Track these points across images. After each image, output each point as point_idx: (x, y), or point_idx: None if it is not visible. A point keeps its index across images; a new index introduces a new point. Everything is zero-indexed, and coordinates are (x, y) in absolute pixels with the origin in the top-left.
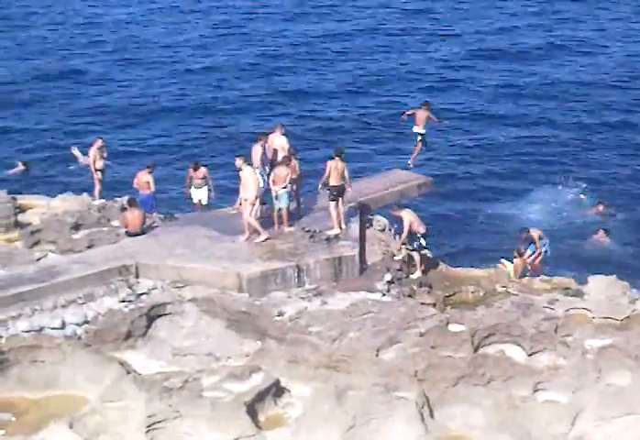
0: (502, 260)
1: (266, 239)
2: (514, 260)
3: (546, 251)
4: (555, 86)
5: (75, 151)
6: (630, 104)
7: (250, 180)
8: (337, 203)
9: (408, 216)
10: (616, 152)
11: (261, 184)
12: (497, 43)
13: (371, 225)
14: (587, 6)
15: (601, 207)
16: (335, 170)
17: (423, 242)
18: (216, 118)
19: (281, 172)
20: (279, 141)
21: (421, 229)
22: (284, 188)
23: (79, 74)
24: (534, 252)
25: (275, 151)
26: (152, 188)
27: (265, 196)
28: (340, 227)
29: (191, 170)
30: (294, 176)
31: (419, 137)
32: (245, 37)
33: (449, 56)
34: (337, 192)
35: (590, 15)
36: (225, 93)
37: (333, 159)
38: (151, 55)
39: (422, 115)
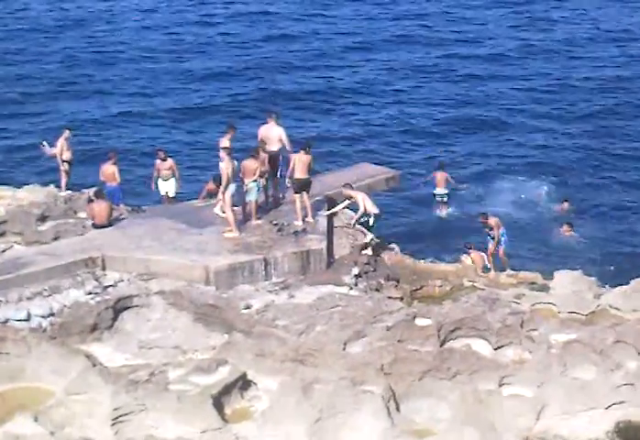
0: (465, 255)
1: (235, 237)
2: (471, 254)
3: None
4: (526, 82)
5: (45, 148)
6: (606, 104)
7: (222, 172)
8: (302, 196)
9: (362, 195)
10: (583, 148)
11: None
12: (474, 43)
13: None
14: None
15: (565, 205)
16: (299, 162)
17: (371, 221)
18: (189, 112)
19: (251, 165)
20: (276, 132)
21: (374, 210)
22: (254, 181)
23: (55, 66)
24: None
25: (270, 143)
26: (117, 179)
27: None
28: (304, 220)
29: (158, 160)
30: (263, 169)
31: (444, 198)
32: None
33: (420, 56)
34: (302, 186)
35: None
36: (201, 88)
37: (299, 152)
38: (125, 52)
39: (441, 176)
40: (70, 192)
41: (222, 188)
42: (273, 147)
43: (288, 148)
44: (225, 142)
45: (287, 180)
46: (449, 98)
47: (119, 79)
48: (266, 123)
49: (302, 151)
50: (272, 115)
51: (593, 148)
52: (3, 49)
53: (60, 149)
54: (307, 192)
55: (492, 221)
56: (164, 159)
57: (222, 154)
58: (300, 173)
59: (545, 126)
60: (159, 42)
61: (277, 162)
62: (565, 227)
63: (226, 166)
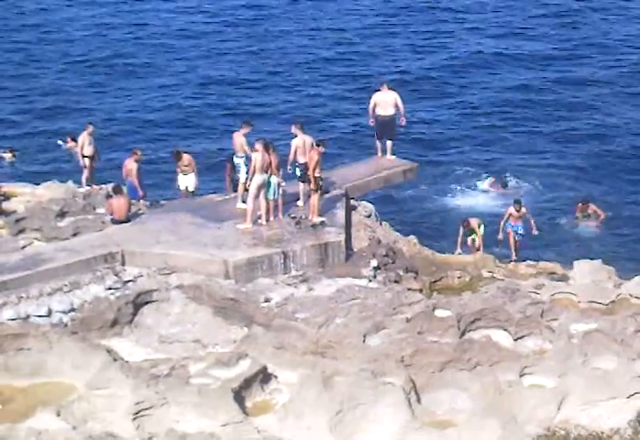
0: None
1: (247, 228)
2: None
3: (521, 234)
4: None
5: (63, 145)
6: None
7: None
8: (314, 194)
9: (295, 140)
10: (601, 140)
11: (243, 174)
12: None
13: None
14: None
15: (583, 205)
16: (302, 147)
17: (297, 172)
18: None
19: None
20: (391, 96)
21: (300, 159)
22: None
23: (67, 61)
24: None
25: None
26: (134, 176)
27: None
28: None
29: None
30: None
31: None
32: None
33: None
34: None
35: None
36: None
37: (295, 136)
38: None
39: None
40: (89, 187)
41: (249, 179)
42: (388, 111)
43: (402, 112)
44: (239, 137)
45: (288, 167)
46: (473, 92)
47: (139, 75)
48: (379, 90)
49: (317, 147)
50: (385, 83)
51: (611, 141)
52: (22, 47)
53: (82, 144)
54: (315, 191)
55: (475, 223)
56: (178, 158)
57: (257, 146)
58: (303, 157)
59: (564, 122)
60: (186, 38)
61: (393, 126)
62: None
63: (257, 157)
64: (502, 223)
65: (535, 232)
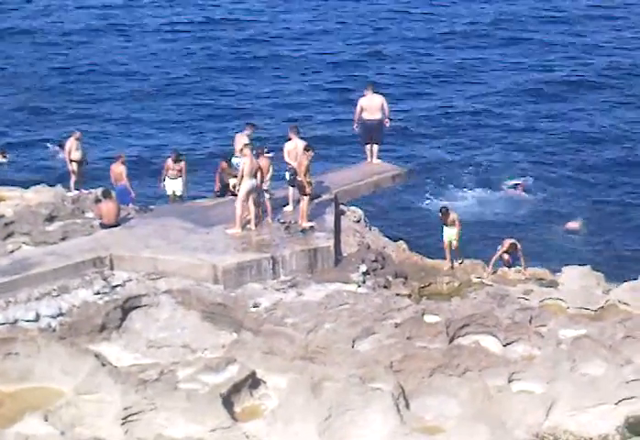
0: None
1: (236, 233)
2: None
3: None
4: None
5: (52, 148)
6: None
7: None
8: (302, 199)
9: (287, 144)
10: (590, 149)
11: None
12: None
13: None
14: None
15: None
16: (293, 151)
17: (287, 176)
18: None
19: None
20: (378, 100)
21: (291, 164)
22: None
23: (61, 61)
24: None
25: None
26: (124, 179)
27: None
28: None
29: (169, 160)
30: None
31: None
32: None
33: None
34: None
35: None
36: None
37: (290, 140)
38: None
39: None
40: (77, 192)
41: (237, 183)
42: (375, 115)
43: (387, 115)
44: (242, 138)
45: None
46: (459, 96)
47: (130, 81)
48: (364, 95)
49: (307, 152)
50: (370, 86)
51: (602, 150)
52: (19, 56)
53: (69, 149)
54: (305, 195)
55: (453, 216)
56: (176, 161)
57: (245, 150)
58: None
59: (550, 127)
60: (177, 44)
61: (380, 130)
62: (570, 223)
63: (245, 162)
64: (493, 258)
65: (525, 270)
